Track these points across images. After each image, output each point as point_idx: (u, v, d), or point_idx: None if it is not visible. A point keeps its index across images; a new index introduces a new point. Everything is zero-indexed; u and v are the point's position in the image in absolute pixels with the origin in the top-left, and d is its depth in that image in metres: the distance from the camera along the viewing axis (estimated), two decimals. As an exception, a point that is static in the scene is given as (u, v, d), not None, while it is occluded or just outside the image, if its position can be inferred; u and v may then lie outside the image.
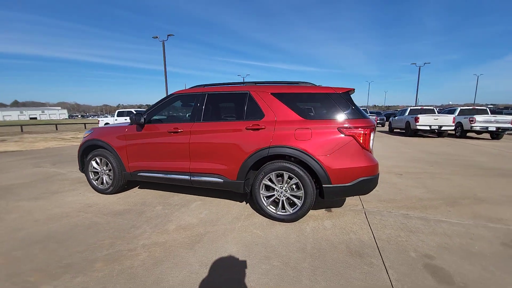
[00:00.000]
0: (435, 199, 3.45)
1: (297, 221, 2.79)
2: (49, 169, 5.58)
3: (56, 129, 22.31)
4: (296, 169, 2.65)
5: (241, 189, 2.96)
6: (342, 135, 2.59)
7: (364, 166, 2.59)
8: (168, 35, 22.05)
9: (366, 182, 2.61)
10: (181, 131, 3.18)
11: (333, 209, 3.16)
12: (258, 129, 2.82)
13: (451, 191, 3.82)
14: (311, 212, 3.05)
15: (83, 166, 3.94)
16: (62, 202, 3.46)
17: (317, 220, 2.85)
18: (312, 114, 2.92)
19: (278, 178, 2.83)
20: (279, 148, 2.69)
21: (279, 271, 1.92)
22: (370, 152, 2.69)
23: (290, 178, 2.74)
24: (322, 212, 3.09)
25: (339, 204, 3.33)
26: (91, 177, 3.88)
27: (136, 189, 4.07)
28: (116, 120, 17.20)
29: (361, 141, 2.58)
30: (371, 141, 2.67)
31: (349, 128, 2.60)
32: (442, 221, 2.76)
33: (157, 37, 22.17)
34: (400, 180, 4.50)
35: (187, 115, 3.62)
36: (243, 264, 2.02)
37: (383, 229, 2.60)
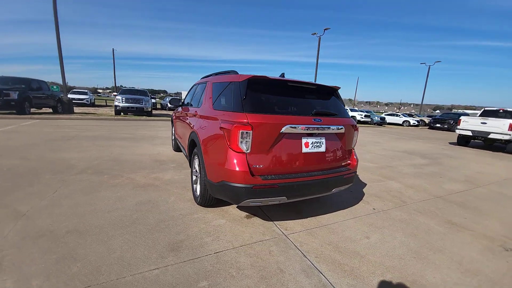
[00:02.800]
0: None
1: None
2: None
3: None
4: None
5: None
6: (219, 129, 2.28)
7: (225, 168, 2.12)
8: (324, 29, 20.90)
9: (227, 188, 2.14)
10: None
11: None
12: (194, 116, 3.29)
13: None
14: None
15: None
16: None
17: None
18: (220, 104, 2.63)
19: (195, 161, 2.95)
20: (193, 134, 3.04)
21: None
22: (243, 153, 2.09)
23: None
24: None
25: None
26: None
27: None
28: None
29: (227, 138, 2.14)
30: (242, 141, 2.06)
31: (223, 121, 2.24)
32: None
33: (315, 34, 21.13)
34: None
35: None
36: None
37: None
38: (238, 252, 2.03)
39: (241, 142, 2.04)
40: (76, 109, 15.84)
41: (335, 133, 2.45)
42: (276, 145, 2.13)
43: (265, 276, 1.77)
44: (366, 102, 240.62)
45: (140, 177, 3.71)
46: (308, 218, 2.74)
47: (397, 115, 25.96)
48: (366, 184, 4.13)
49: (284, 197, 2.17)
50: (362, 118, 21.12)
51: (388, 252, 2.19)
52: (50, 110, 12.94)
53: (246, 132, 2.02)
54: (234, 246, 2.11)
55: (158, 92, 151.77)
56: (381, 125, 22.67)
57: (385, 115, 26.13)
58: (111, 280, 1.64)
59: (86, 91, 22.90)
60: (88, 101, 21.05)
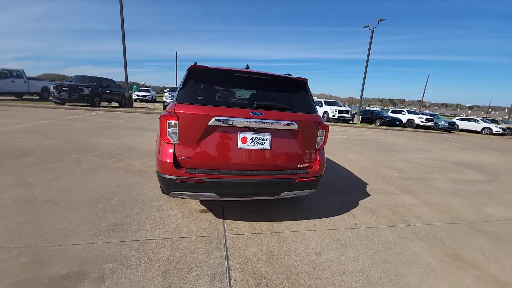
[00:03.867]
0: None
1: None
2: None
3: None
4: None
5: None
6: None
7: (157, 158, 2.13)
8: (379, 21, 17.19)
9: (159, 178, 2.12)
10: None
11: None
12: None
13: None
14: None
15: None
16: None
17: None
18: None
19: None
20: None
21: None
22: (171, 144, 2.03)
23: None
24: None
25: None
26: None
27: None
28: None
29: (160, 129, 2.10)
30: (170, 131, 1.99)
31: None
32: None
33: (368, 26, 17.73)
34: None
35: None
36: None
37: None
38: (164, 244, 2.01)
39: (169, 132, 2.00)
40: (138, 104, 18.47)
41: (287, 130, 2.15)
42: (206, 137, 2.01)
43: (169, 272, 1.71)
44: (442, 104, 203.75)
45: (139, 163, 4.08)
46: (264, 222, 2.51)
47: (474, 120, 21.16)
48: (369, 195, 3.52)
49: (214, 194, 2.03)
50: (422, 122, 18.03)
51: (331, 275, 1.82)
52: (117, 104, 15.46)
53: (173, 123, 1.97)
54: (165, 237, 2.10)
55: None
56: (449, 131, 18.88)
57: (456, 119, 21.67)
58: (42, 245, 1.86)
59: (150, 89, 26.43)
60: (150, 98, 24.26)
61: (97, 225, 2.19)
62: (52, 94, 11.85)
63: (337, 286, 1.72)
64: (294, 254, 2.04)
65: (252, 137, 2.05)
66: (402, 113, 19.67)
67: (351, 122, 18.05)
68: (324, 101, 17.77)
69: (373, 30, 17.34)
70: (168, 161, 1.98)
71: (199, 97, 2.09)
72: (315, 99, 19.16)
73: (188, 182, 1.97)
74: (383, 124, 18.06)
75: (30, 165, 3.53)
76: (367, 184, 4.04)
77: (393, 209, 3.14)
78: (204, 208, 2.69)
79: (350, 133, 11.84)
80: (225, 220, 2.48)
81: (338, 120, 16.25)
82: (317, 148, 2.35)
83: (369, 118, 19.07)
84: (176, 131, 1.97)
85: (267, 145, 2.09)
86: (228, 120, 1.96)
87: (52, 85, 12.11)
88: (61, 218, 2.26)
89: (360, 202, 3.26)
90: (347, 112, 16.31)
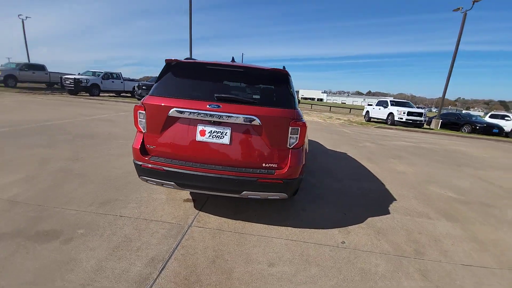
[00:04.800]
0: None
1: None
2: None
3: (349, 112, 26.97)
4: None
5: None
6: None
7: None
8: (474, 1, 13.64)
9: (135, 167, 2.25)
10: None
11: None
12: None
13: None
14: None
15: None
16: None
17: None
18: None
19: None
20: None
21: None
22: (141, 132, 2.20)
23: None
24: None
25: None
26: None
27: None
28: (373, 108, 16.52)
29: (133, 118, 2.25)
30: (139, 120, 2.17)
31: None
32: None
33: (459, 9, 14.39)
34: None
35: None
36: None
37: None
38: (133, 223, 2.22)
39: (139, 121, 2.17)
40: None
41: (250, 125, 1.97)
42: (168, 128, 2.07)
43: (119, 247, 1.88)
44: None
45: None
46: (238, 221, 2.41)
47: None
48: (387, 214, 2.87)
49: (173, 183, 2.08)
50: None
51: (269, 291, 1.59)
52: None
53: (141, 113, 2.12)
54: (138, 217, 2.32)
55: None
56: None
57: None
58: (50, 206, 2.36)
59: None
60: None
61: (97, 197, 2.62)
62: (135, 92, 14.60)
63: (268, 304, 1.51)
64: (244, 258, 1.89)
65: (211, 131, 2.01)
66: (506, 118, 14.90)
67: (427, 126, 15.01)
68: (390, 101, 15.34)
69: (465, 14, 13.76)
70: (135, 147, 2.17)
71: (170, 90, 2.19)
72: (386, 98, 16.76)
73: (151, 169, 2.10)
74: (473, 131, 14.18)
75: (88, 145, 4.49)
76: (395, 200, 3.30)
77: (411, 235, 2.47)
78: (189, 198, 2.81)
79: (416, 139, 9.86)
80: (200, 212, 2.53)
81: (407, 124, 13.76)
82: (289, 147, 2.09)
83: (453, 124, 15.36)
84: (144, 120, 2.13)
85: (226, 140, 2.00)
86: (186, 111, 1.98)
87: (136, 84, 14.90)
88: (78, 187, 2.80)
89: (369, 219, 2.70)
90: (419, 114, 13.60)
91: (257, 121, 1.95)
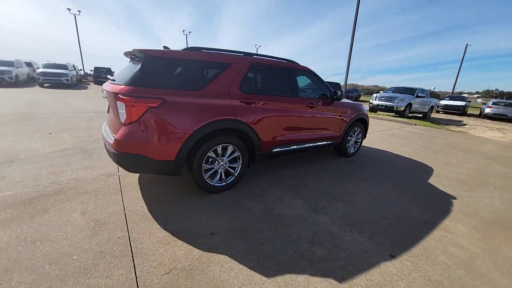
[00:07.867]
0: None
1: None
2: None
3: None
4: None
5: None
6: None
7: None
8: None
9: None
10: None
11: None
12: None
13: None
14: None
15: None
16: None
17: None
18: None
19: None
20: None
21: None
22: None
23: None
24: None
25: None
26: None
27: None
28: None
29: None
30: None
31: None
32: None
33: None
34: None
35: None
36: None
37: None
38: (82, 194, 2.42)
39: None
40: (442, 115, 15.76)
41: (115, 100, 2.16)
42: None
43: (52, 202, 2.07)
44: None
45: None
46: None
47: None
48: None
49: None
50: None
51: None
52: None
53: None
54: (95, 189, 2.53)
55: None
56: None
57: None
58: (67, 180, 2.69)
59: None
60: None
61: (96, 170, 2.96)
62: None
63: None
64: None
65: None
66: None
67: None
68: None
69: None
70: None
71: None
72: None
73: None
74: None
75: (66, 127, 4.95)
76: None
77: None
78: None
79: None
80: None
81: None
82: (122, 123, 2.12)
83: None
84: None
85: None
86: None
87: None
88: (81, 163, 3.17)
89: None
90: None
91: (112, 96, 2.22)
